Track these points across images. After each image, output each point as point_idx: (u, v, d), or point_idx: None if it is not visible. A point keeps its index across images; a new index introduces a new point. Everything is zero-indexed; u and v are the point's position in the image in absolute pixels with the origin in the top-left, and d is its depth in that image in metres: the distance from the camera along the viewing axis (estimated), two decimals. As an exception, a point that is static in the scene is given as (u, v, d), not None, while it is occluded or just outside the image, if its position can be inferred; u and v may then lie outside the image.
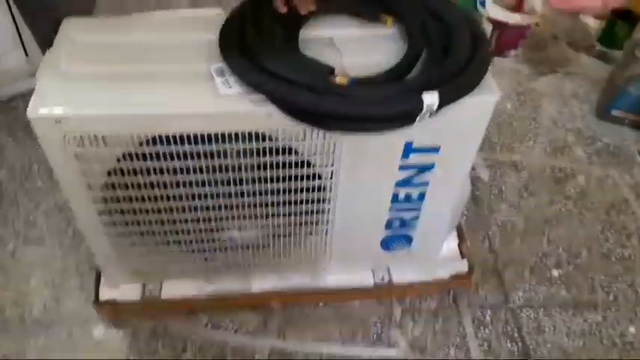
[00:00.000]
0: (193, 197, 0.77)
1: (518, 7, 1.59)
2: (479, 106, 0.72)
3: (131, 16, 0.79)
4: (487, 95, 0.71)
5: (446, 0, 0.79)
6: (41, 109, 0.65)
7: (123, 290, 0.95)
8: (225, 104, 0.67)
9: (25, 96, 1.32)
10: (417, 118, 0.65)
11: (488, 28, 1.60)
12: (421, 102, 0.63)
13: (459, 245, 1.06)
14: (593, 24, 1.85)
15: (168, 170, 0.73)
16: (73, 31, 0.76)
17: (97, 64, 0.71)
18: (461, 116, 0.72)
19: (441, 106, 0.65)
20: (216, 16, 0.76)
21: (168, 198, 0.77)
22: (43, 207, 1.16)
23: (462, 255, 1.05)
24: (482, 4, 1.60)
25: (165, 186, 0.75)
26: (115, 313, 0.96)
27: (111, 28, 0.78)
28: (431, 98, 0.63)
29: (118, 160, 0.71)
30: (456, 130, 0.74)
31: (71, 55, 0.72)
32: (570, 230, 1.19)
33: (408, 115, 0.64)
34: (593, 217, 1.23)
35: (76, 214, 0.80)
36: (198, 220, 0.82)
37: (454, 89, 0.66)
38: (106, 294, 0.95)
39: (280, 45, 0.70)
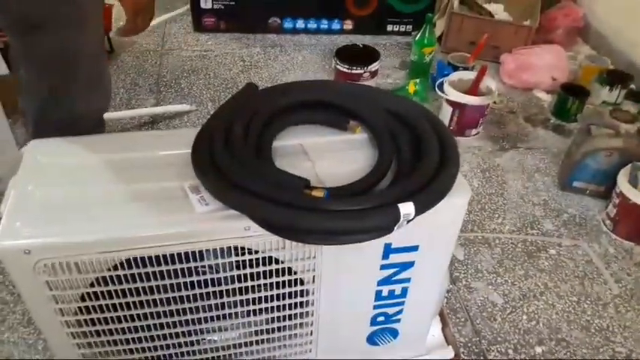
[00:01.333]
0: (172, 313, 0.76)
1: (475, 89, 1.69)
2: (453, 207, 0.75)
3: (98, 135, 0.81)
4: (460, 196, 0.75)
5: (402, 98, 0.84)
6: (8, 239, 0.64)
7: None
8: (203, 222, 0.68)
9: None
10: (395, 228, 0.67)
11: (448, 109, 1.69)
12: (398, 213, 0.65)
13: (442, 330, 1.06)
14: (545, 97, 1.97)
15: (144, 291, 0.72)
16: (39, 153, 0.77)
17: (66, 187, 0.72)
18: (436, 217, 0.74)
19: (416, 214, 0.67)
20: (186, 113, 0.78)
21: (145, 316, 0.76)
22: (9, 322, 1.11)
23: (447, 341, 1.05)
24: (441, 88, 1.69)
25: (142, 305, 0.74)
26: None
27: (79, 149, 0.79)
28: (407, 209, 0.66)
29: (92, 285, 0.70)
30: (432, 229, 0.76)
31: (38, 180, 0.72)
32: (548, 304, 1.21)
33: (385, 227, 0.66)
34: (568, 288, 1.26)
35: (48, 339, 0.77)
36: (177, 335, 0.80)
37: (429, 197, 0.68)
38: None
39: (252, 161, 0.72)
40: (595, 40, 2.25)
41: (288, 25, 2.29)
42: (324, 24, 2.31)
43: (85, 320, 0.74)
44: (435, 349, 1.03)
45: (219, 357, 0.86)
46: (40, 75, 0.94)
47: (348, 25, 2.31)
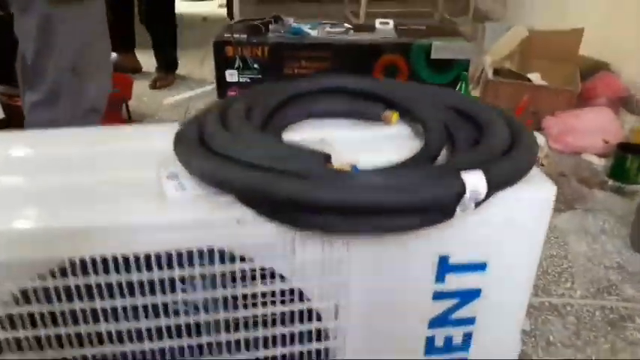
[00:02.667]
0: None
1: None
2: (534, 203, 0.53)
3: (68, 129, 0.64)
4: (542, 189, 0.53)
5: (474, 99, 0.65)
6: None
7: None
8: (175, 210, 0.48)
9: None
10: (458, 208, 0.45)
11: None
12: (462, 184, 0.44)
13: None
14: (597, 161, 1.77)
15: (85, 315, 0.50)
16: None
17: (8, 175, 0.54)
18: (512, 216, 0.52)
19: (489, 192, 0.46)
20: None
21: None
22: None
23: None
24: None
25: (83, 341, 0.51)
26: None
27: (35, 140, 0.62)
28: (475, 179, 0.45)
29: (8, 304, 0.48)
30: (506, 236, 0.54)
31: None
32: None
33: (444, 205, 0.45)
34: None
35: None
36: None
37: (503, 170, 0.48)
38: None
39: (254, 136, 0.53)
40: (641, 109, 2.08)
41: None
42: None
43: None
44: None
45: None
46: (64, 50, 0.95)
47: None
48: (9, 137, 0.62)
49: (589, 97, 2.10)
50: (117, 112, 1.95)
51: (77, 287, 0.48)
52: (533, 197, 0.53)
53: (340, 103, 0.65)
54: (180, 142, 0.54)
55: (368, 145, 0.61)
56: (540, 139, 1.53)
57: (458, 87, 1.80)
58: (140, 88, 2.25)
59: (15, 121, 1.51)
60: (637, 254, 1.27)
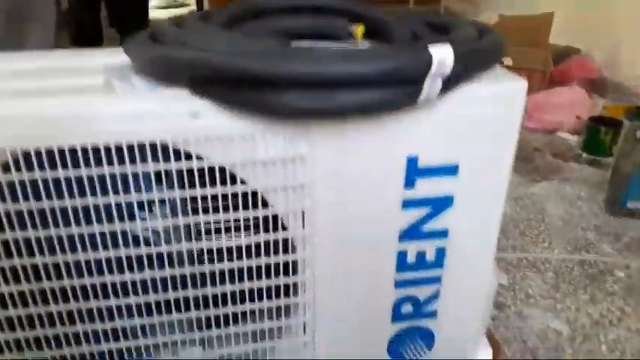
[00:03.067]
0: (78, 269, 0.49)
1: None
2: (506, 96, 0.51)
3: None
4: (513, 83, 0.52)
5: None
6: None
7: None
8: (125, 102, 0.45)
9: None
10: (425, 84, 0.43)
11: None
12: (428, 53, 0.42)
13: (493, 358, 0.75)
14: (571, 137, 1.78)
15: (31, 216, 0.46)
16: None
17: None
18: (482, 112, 0.50)
19: (458, 73, 0.44)
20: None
21: (40, 270, 0.49)
22: None
23: (503, 371, 0.73)
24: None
25: (29, 249, 0.47)
26: None
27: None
28: (442, 51, 0.42)
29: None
30: (477, 135, 0.52)
31: None
32: (631, 331, 0.89)
33: (410, 75, 0.42)
34: (649, 316, 0.95)
35: None
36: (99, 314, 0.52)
37: (472, 48, 0.46)
38: None
39: (209, 28, 0.50)
40: (613, 93, 2.11)
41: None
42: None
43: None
44: (487, 379, 0.71)
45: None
46: None
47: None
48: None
49: (563, 80, 2.12)
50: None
51: (22, 183, 0.44)
52: (504, 90, 0.51)
53: (303, 19, 0.62)
54: (129, 42, 0.51)
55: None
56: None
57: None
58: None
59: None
60: (613, 217, 1.26)
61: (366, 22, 0.60)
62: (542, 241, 1.16)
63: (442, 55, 0.42)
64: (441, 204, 0.54)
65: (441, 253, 0.57)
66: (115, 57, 0.54)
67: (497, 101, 0.51)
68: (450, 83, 0.45)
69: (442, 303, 0.61)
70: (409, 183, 0.52)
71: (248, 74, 0.42)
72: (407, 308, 0.60)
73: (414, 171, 0.52)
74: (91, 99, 0.45)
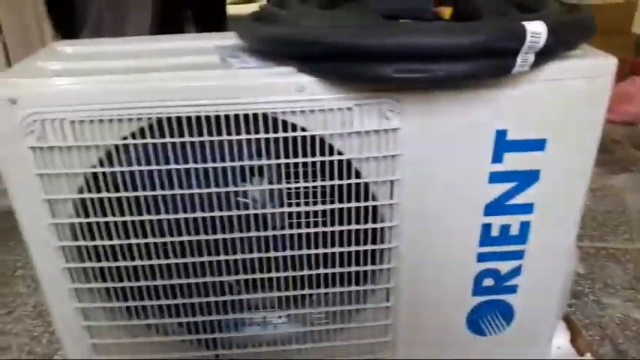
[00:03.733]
0: (193, 228, 0.55)
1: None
2: (595, 71, 0.52)
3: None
4: (602, 59, 0.52)
5: None
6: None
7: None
8: (240, 75, 0.50)
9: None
10: (519, 57, 0.45)
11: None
12: (522, 27, 0.44)
13: (572, 342, 0.75)
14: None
15: (161, 180, 0.52)
16: (59, 46, 0.63)
17: (83, 61, 0.57)
18: (572, 86, 0.51)
19: (550, 47, 0.45)
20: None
21: (160, 228, 0.55)
22: (18, 313, 0.91)
23: (579, 352, 0.73)
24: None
25: (157, 208, 0.53)
26: None
27: (103, 43, 0.64)
28: (536, 25, 0.44)
29: (94, 166, 0.51)
30: (565, 109, 0.53)
31: (52, 57, 0.58)
32: None
33: (503, 48, 0.44)
34: None
35: (35, 262, 0.57)
36: (202, 268, 0.57)
37: (565, 24, 0.47)
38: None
39: (310, 9, 0.54)
40: None
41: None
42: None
43: (83, 229, 0.54)
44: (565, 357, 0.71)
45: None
46: None
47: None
48: (81, 42, 0.66)
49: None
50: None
51: (154, 147, 0.50)
52: (594, 65, 0.51)
53: (391, 2, 0.65)
54: (237, 24, 0.56)
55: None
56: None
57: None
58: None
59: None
60: (700, 210, 1.21)
61: (455, 5, 0.62)
62: (622, 233, 1.13)
63: (536, 29, 0.44)
64: (527, 178, 0.56)
65: (525, 227, 0.59)
66: (223, 40, 0.59)
67: (587, 76, 0.52)
68: (542, 57, 0.47)
69: (523, 278, 0.62)
70: (497, 157, 0.54)
71: (352, 48, 0.45)
72: (488, 282, 0.62)
73: (502, 145, 0.54)
74: (213, 74, 0.50)
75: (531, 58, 0.46)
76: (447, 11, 0.63)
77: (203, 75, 0.50)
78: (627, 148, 1.56)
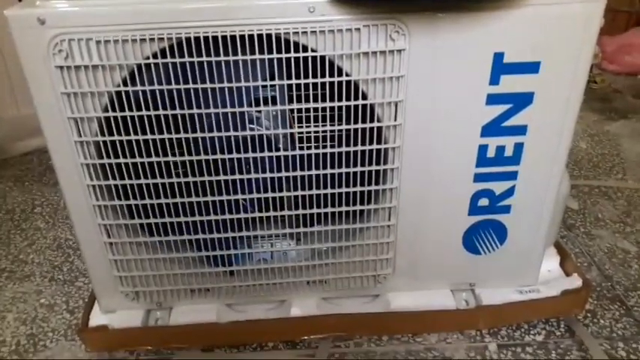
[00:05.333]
0: (210, 147, 0.59)
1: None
2: (588, -3, 0.55)
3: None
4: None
5: None
6: (23, 7, 0.52)
7: (120, 316, 0.72)
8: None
9: (42, 152, 1.23)
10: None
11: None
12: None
13: (561, 264, 0.80)
14: (654, 81, 1.71)
15: (180, 99, 0.55)
16: None
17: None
18: (566, 9, 0.54)
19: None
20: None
21: (180, 148, 0.59)
22: (38, 245, 0.97)
23: (567, 274, 0.78)
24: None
25: (178, 128, 0.57)
26: (107, 343, 0.71)
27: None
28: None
29: (119, 85, 0.55)
30: (559, 32, 0.56)
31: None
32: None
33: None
34: None
35: (60, 179, 0.61)
36: (218, 188, 0.62)
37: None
38: (96, 319, 0.71)
39: None
40: None
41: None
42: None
43: (107, 147, 0.58)
44: (554, 279, 0.77)
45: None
46: None
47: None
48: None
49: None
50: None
51: (174, 67, 0.54)
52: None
53: None
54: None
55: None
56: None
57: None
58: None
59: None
60: (693, 154, 1.25)
61: None
62: (615, 173, 1.17)
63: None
64: (522, 100, 0.59)
65: (519, 148, 0.63)
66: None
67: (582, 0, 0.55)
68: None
69: (516, 199, 0.66)
70: (494, 79, 0.58)
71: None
72: (483, 202, 0.66)
73: (499, 67, 0.57)
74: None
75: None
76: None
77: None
78: (627, 98, 1.59)
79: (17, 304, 0.82)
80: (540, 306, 0.74)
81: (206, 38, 0.53)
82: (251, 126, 0.63)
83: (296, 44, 0.54)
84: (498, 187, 0.66)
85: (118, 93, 0.55)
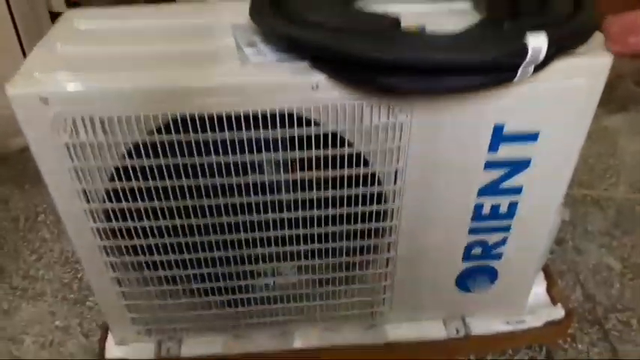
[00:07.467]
0: (215, 211, 0.61)
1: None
2: (589, 71, 0.55)
3: (141, 6, 0.68)
4: (597, 57, 0.55)
5: None
6: (23, 86, 0.51)
7: (134, 348, 0.76)
8: (258, 73, 0.53)
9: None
10: (520, 70, 0.48)
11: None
12: (524, 44, 0.47)
13: (547, 290, 0.84)
14: (656, 65, 1.70)
15: (186, 169, 0.57)
16: (75, 17, 0.65)
17: (102, 45, 0.59)
18: (567, 84, 0.55)
19: (549, 56, 0.48)
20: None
21: (187, 212, 0.61)
22: (46, 259, 1.00)
23: (553, 301, 0.82)
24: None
25: (182, 194, 0.59)
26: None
27: (117, 15, 0.66)
28: (537, 40, 0.47)
29: (124, 157, 0.56)
30: (560, 106, 0.57)
31: (71, 39, 0.60)
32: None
33: (507, 63, 0.48)
34: None
35: (72, 238, 0.63)
36: (224, 245, 0.64)
37: (565, 32, 0.50)
38: (112, 352, 0.76)
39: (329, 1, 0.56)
40: None
41: None
42: None
43: (115, 212, 0.60)
44: (539, 307, 0.81)
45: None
46: None
47: None
48: (92, 12, 0.67)
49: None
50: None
51: (180, 143, 0.55)
52: (588, 64, 0.55)
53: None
54: (254, 7, 0.57)
55: (432, 17, 0.61)
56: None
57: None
58: None
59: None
60: (687, 155, 1.26)
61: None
62: (609, 177, 1.19)
63: (537, 44, 0.47)
64: (519, 166, 0.61)
65: (513, 206, 0.65)
66: (238, 14, 0.61)
67: (582, 74, 0.55)
68: (541, 66, 0.50)
69: (508, 247, 0.69)
70: (493, 147, 0.59)
71: (361, 59, 0.48)
72: (476, 251, 0.69)
73: (498, 137, 0.58)
74: (230, 71, 0.53)
75: (531, 69, 0.49)
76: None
77: (221, 71, 0.53)
78: (628, 85, 1.58)
79: (33, 325, 0.86)
80: (525, 336, 0.79)
81: (211, 117, 0.53)
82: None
83: (300, 118, 0.55)
84: (491, 238, 0.68)
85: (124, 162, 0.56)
